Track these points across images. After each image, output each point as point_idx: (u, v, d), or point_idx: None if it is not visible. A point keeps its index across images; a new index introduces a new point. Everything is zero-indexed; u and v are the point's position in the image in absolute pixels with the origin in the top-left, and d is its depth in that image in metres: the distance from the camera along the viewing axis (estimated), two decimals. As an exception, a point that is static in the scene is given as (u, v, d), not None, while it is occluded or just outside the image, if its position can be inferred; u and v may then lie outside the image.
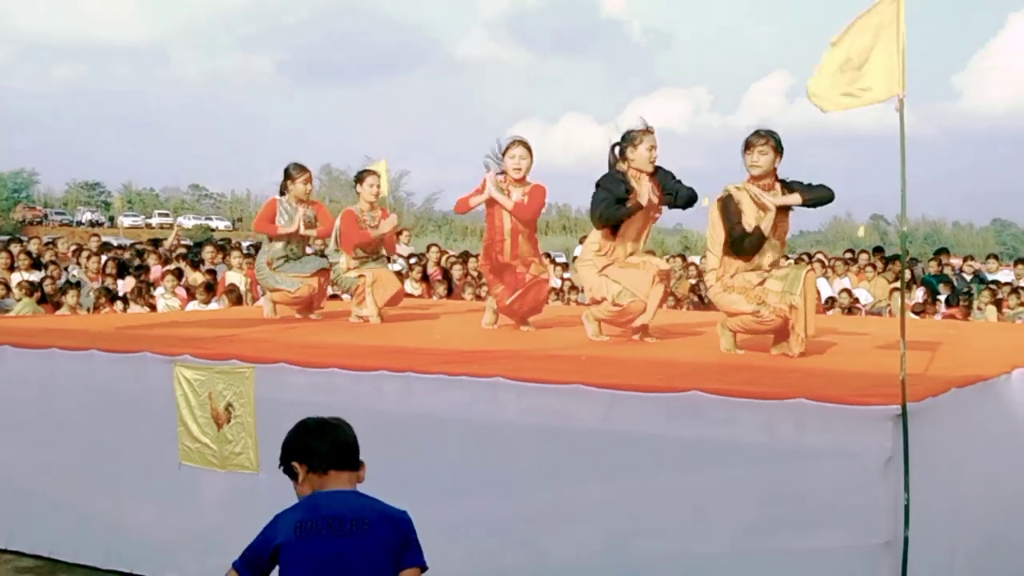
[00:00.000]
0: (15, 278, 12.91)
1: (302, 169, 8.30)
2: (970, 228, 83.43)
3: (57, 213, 69.88)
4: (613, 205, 6.37)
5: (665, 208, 6.63)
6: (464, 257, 15.72)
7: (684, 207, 6.56)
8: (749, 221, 5.76)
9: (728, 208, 5.82)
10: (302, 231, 8.24)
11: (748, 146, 5.85)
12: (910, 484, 4.11)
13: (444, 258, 15.87)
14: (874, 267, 15.53)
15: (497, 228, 7.29)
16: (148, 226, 64.44)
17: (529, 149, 7.30)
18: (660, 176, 6.52)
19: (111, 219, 68.61)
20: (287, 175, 8.25)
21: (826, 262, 16.38)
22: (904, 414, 4.10)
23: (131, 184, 78.66)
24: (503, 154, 7.28)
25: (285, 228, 8.16)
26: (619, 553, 4.67)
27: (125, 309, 11.90)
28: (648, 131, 6.52)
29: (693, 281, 15.54)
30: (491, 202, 7.25)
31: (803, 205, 5.85)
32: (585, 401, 4.79)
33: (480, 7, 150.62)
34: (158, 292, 12.63)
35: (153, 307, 12.11)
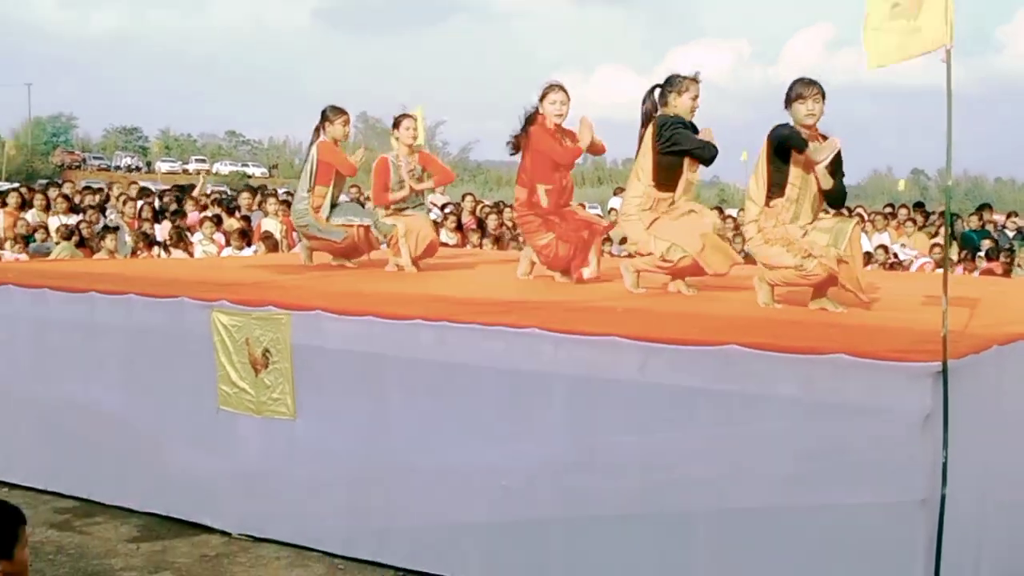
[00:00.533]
0: (53, 222, 13.03)
1: (339, 111, 8.23)
2: (1012, 184, 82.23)
3: (95, 158, 70.30)
4: (705, 144, 6.38)
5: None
6: (499, 207, 15.68)
7: (707, 163, 6.55)
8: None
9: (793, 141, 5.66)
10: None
11: (799, 96, 5.69)
12: (948, 442, 4.08)
13: (479, 208, 15.84)
14: (914, 222, 15.36)
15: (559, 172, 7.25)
16: (185, 172, 64.71)
17: (567, 94, 7.23)
18: None
19: (148, 164, 68.98)
20: (324, 117, 8.19)
21: (866, 216, 16.21)
22: (944, 371, 4.05)
23: (168, 130, 79.01)
24: (541, 99, 7.20)
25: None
26: (654, 504, 4.68)
27: (161, 254, 11.98)
28: (695, 80, 6.44)
29: (730, 235, 15.42)
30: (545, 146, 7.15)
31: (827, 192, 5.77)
32: (621, 353, 4.77)
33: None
34: (195, 238, 12.70)
35: (191, 253, 12.19)
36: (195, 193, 16.46)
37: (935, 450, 4.09)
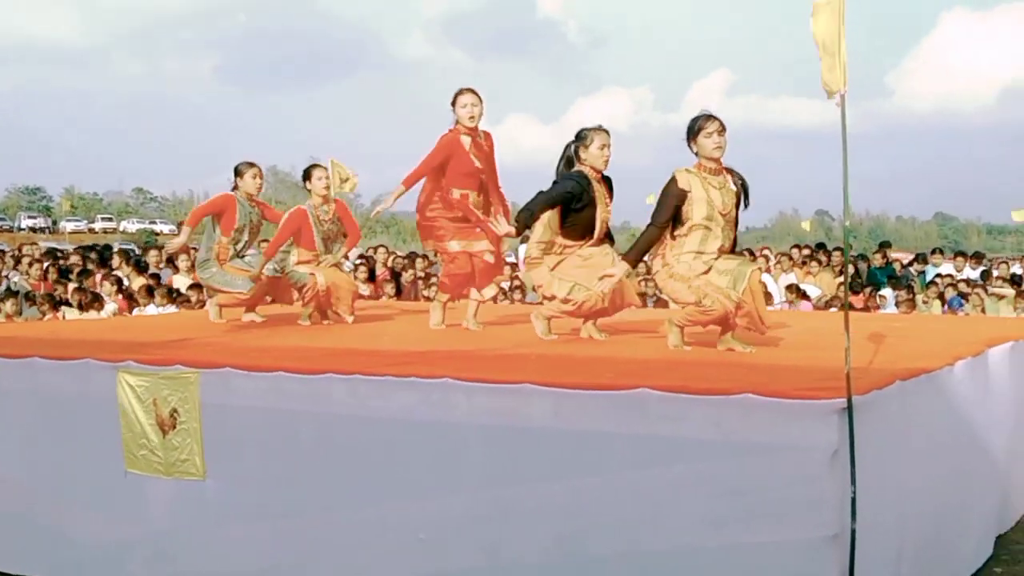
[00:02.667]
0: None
1: (250, 165, 8.21)
2: (913, 222, 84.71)
3: (-4, 219, 68.68)
4: (538, 201, 6.50)
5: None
6: (411, 258, 15.68)
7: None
8: (704, 203, 5.79)
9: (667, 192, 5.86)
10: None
11: (701, 129, 5.79)
12: (856, 477, 4.15)
13: (392, 259, 15.82)
14: (819, 262, 15.70)
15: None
16: (91, 231, 63.53)
17: (478, 96, 7.30)
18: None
19: (54, 223, 67.56)
20: (236, 172, 8.16)
21: (772, 257, 16.53)
22: (849, 407, 4.13)
23: (73, 188, 77.56)
24: (453, 104, 7.28)
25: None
26: (571, 552, 4.66)
27: (66, 315, 11.72)
28: (600, 129, 6.54)
29: (641, 278, 15.59)
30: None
31: None
32: (534, 400, 4.77)
33: (416, 9, 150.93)
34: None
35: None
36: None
37: (844, 485, 4.15)
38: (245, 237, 8.16)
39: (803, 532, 4.20)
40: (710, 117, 5.81)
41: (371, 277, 14.41)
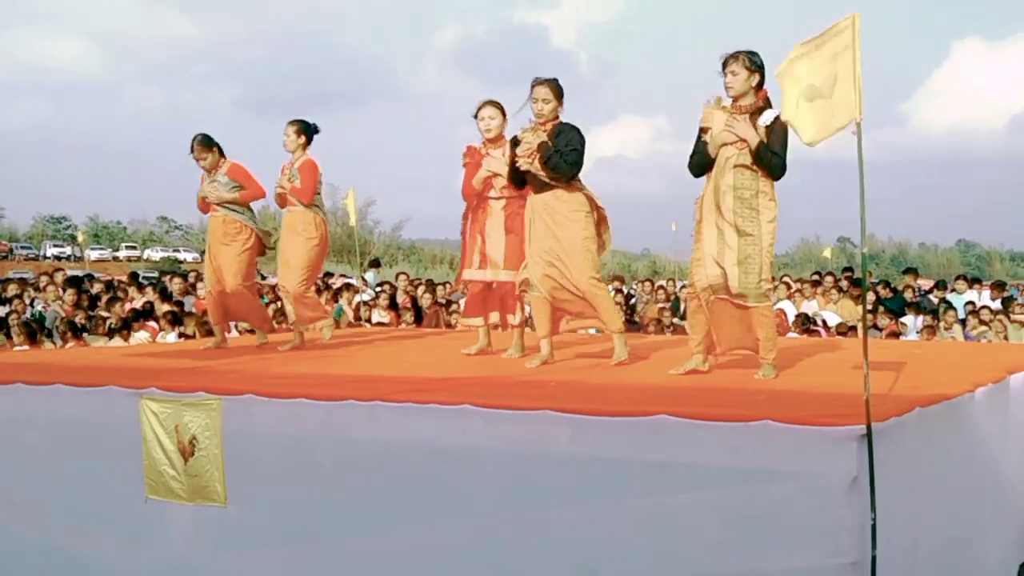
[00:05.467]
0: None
1: None
2: (935, 249, 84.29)
3: (23, 247, 69.21)
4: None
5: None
6: (431, 285, 15.73)
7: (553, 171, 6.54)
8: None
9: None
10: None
11: (723, 66, 5.79)
12: (876, 504, 4.14)
13: (412, 286, 15.88)
14: (840, 289, 15.65)
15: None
16: (115, 259, 63.95)
17: (496, 108, 7.31)
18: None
19: (79, 252, 68.07)
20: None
21: (792, 285, 16.50)
22: (869, 434, 4.12)
23: (97, 217, 78.12)
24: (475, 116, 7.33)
25: None
26: (589, 578, 4.67)
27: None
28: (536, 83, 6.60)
29: (661, 305, 15.62)
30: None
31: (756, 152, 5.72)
32: (552, 427, 4.79)
33: (429, 43, 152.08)
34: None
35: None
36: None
37: (864, 512, 4.14)
38: None
39: (822, 559, 4.18)
40: (732, 53, 5.79)
41: (392, 304, 14.46)
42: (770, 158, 5.66)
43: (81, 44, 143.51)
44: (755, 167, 5.69)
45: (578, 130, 6.55)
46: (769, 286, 5.80)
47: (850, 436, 4.16)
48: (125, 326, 12.08)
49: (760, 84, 5.78)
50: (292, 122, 8.18)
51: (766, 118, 5.70)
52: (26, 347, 11.15)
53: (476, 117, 7.27)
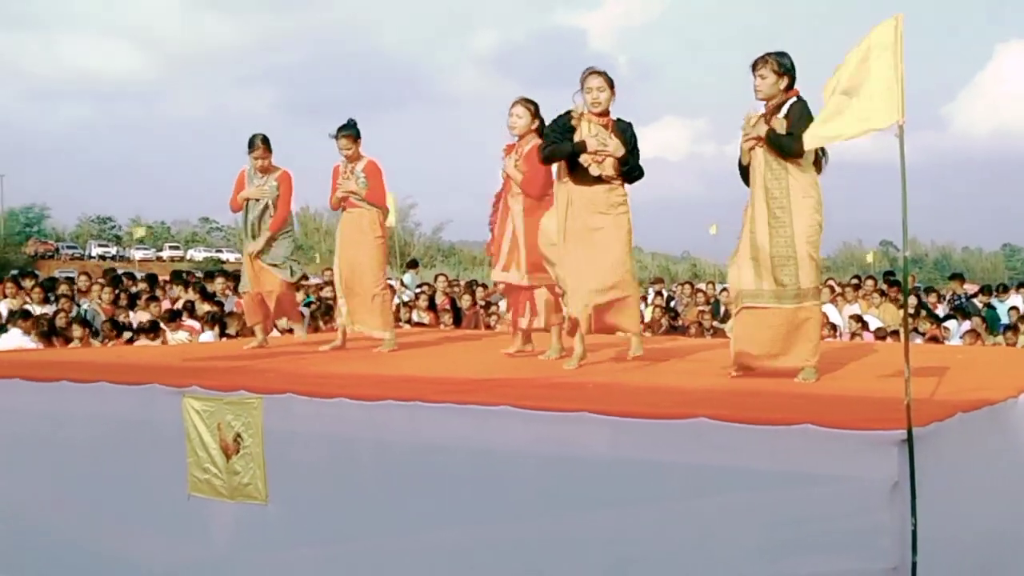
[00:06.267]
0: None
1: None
2: (979, 253, 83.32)
3: (68, 247, 70.13)
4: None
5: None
6: (471, 286, 15.77)
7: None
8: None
9: None
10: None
11: (752, 69, 5.81)
12: (917, 509, 4.11)
13: (451, 287, 15.94)
14: (882, 293, 15.53)
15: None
16: (159, 259, 64.66)
17: (523, 106, 7.32)
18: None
19: (121, 253, 68.83)
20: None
21: (836, 288, 16.38)
22: (910, 438, 4.10)
23: (139, 218, 78.97)
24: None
25: None
26: (626, 581, 4.67)
27: (131, 341, 11.93)
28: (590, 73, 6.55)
29: (701, 308, 15.58)
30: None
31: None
32: (591, 429, 4.79)
33: (468, 46, 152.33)
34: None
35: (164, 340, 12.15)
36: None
37: (904, 517, 4.11)
38: None
39: (861, 564, 4.16)
40: (762, 57, 5.80)
41: (431, 305, 14.52)
42: (779, 140, 5.64)
43: (125, 48, 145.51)
44: (783, 164, 5.67)
45: (633, 130, 6.55)
46: (812, 285, 5.75)
47: (891, 441, 4.13)
48: (153, 327, 12.17)
49: (789, 86, 5.79)
50: (344, 132, 8.11)
51: (786, 107, 5.74)
52: (78, 344, 11.30)
53: (508, 114, 7.30)
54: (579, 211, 6.54)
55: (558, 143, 6.55)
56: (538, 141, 7.05)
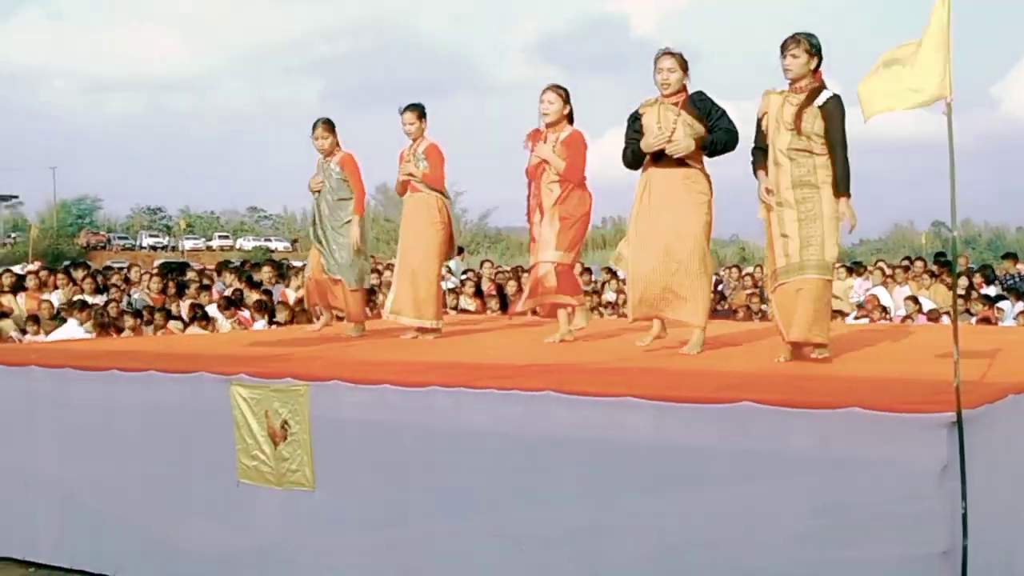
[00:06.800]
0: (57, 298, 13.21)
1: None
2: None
3: (120, 238, 71.10)
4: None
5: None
6: (517, 272, 15.76)
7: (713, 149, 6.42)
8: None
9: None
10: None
11: (782, 50, 5.80)
12: (967, 492, 4.05)
13: (497, 273, 15.94)
14: (932, 275, 15.32)
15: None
16: (209, 248, 65.36)
17: (555, 92, 7.30)
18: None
19: (172, 243, 69.64)
20: None
21: (886, 270, 16.19)
22: (959, 421, 4.04)
23: (188, 208, 79.79)
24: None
25: None
26: (671, 566, 4.64)
27: (184, 329, 12.07)
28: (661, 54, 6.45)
29: (749, 291, 15.47)
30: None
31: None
32: (635, 413, 4.77)
33: (512, 34, 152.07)
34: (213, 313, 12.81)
35: (215, 329, 12.27)
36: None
37: (954, 501, 4.06)
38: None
39: (911, 549, 4.11)
40: (792, 36, 5.80)
41: (477, 292, 14.54)
42: (844, 172, 5.71)
43: (174, 39, 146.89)
44: (810, 150, 5.67)
45: (712, 99, 6.40)
46: (833, 259, 5.76)
47: (940, 423, 4.07)
48: (204, 315, 12.29)
49: (817, 67, 5.81)
50: (412, 107, 8.08)
51: (821, 99, 5.73)
52: (130, 334, 11.45)
53: (540, 100, 7.27)
54: (653, 194, 6.46)
55: (629, 145, 6.55)
56: (571, 128, 7.19)
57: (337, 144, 8.33)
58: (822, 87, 5.79)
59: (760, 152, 5.97)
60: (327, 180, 8.26)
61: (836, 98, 5.74)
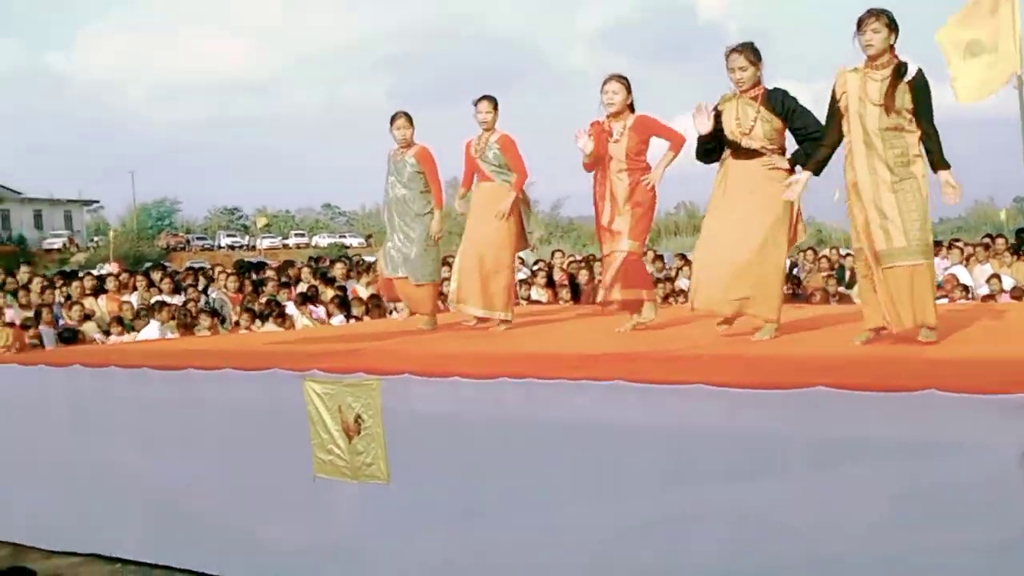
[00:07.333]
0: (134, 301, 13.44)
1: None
2: (1122, 206, 79.53)
3: (199, 239, 72.37)
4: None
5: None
6: (589, 261, 15.68)
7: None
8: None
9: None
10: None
11: (859, 25, 5.64)
12: (1053, 475, 3.94)
13: (569, 263, 15.87)
14: (1014, 251, 14.91)
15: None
16: (285, 247, 66.19)
17: (619, 83, 7.22)
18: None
19: (250, 242, 70.67)
20: None
21: (964, 249, 15.82)
22: (1042, 402, 3.93)
23: (265, 208, 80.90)
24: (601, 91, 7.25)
25: None
26: (747, 555, 4.59)
27: (262, 326, 12.21)
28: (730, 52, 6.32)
29: (825, 274, 15.22)
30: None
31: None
32: (708, 401, 4.73)
33: (577, 23, 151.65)
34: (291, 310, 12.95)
35: (292, 325, 12.39)
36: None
37: (1037, 484, 3.96)
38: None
39: (993, 534, 4.01)
40: (871, 12, 5.64)
41: (549, 282, 14.49)
42: (940, 149, 5.60)
43: (244, 44, 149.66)
44: (901, 127, 5.53)
45: (793, 98, 6.28)
46: (929, 241, 5.60)
47: (1021, 405, 3.97)
48: (280, 312, 12.40)
49: (894, 41, 5.66)
50: (486, 97, 8.10)
51: (909, 73, 5.57)
52: (207, 333, 11.63)
53: (602, 91, 7.21)
54: (729, 186, 6.38)
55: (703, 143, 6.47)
56: (635, 114, 7.20)
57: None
58: (901, 63, 5.63)
59: (833, 131, 5.83)
60: (400, 173, 8.26)
61: (921, 71, 5.62)
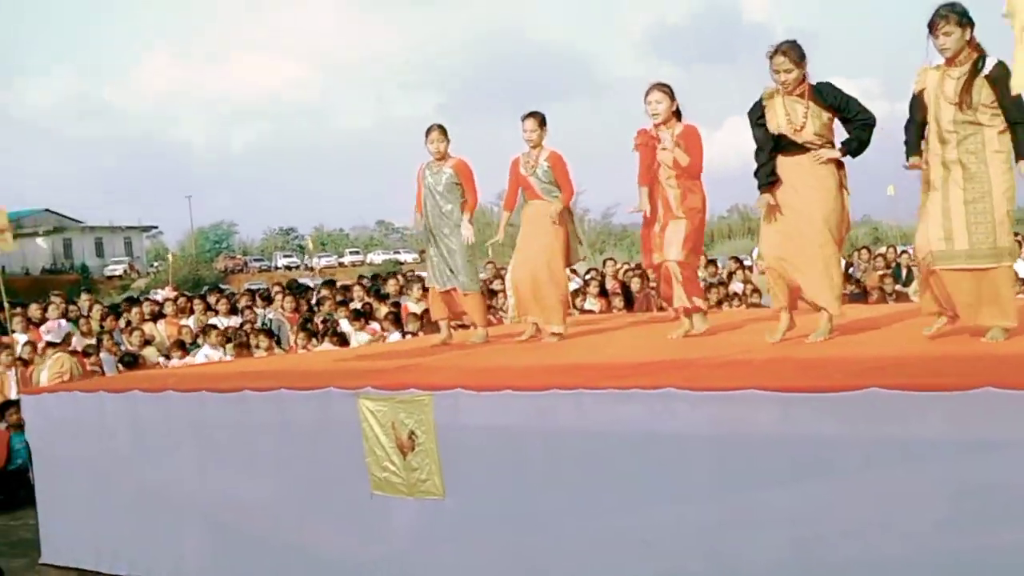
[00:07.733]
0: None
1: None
2: None
3: (255, 260, 73.19)
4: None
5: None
6: (642, 269, 15.61)
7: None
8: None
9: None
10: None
11: (931, 28, 5.52)
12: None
13: (624, 271, 15.82)
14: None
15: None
16: (341, 265, 66.75)
17: (663, 92, 7.17)
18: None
19: (306, 262, 71.36)
20: None
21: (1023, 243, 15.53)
22: (1101, 396, 3.85)
23: (321, 227, 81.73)
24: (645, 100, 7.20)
25: None
26: (803, 559, 4.54)
27: (319, 345, 12.31)
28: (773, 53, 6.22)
29: (882, 272, 15.05)
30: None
31: None
32: (760, 406, 4.69)
33: (624, 30, 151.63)
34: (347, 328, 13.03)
35: (346, 343, 12.48)
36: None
37: (1099, 481, 3.87)
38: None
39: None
40: (940, 13, 5.51)
41: (602, 291, 14.45)
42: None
43: (297, 65, 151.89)
44: (975, 118, 5.42)
45: (840, 90, 6.20)
46: (1009, 243, 5.47)
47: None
48: (335, 331, 12.47)
49: (971, 34, 5.51)
50: (533, 114, 8.04)
51: (987, 68, 5.44)
52: (263, 354, 11.74)
53: (645, 101, 7.17)
54: (783, 183, 6.30)
55: (759, 147, 6.36)
56: (683, 123, 7.15)
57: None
58: (982, 54, 5.50)
59: (915, 126, 5.73)
60: (435, 186, 8.27)
61: (1001, 64, 5.42)
